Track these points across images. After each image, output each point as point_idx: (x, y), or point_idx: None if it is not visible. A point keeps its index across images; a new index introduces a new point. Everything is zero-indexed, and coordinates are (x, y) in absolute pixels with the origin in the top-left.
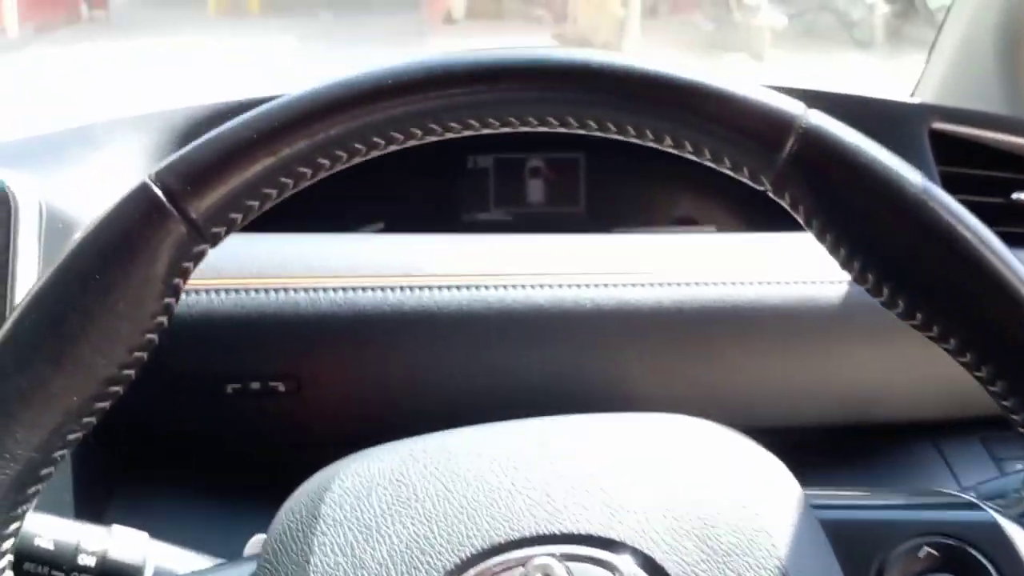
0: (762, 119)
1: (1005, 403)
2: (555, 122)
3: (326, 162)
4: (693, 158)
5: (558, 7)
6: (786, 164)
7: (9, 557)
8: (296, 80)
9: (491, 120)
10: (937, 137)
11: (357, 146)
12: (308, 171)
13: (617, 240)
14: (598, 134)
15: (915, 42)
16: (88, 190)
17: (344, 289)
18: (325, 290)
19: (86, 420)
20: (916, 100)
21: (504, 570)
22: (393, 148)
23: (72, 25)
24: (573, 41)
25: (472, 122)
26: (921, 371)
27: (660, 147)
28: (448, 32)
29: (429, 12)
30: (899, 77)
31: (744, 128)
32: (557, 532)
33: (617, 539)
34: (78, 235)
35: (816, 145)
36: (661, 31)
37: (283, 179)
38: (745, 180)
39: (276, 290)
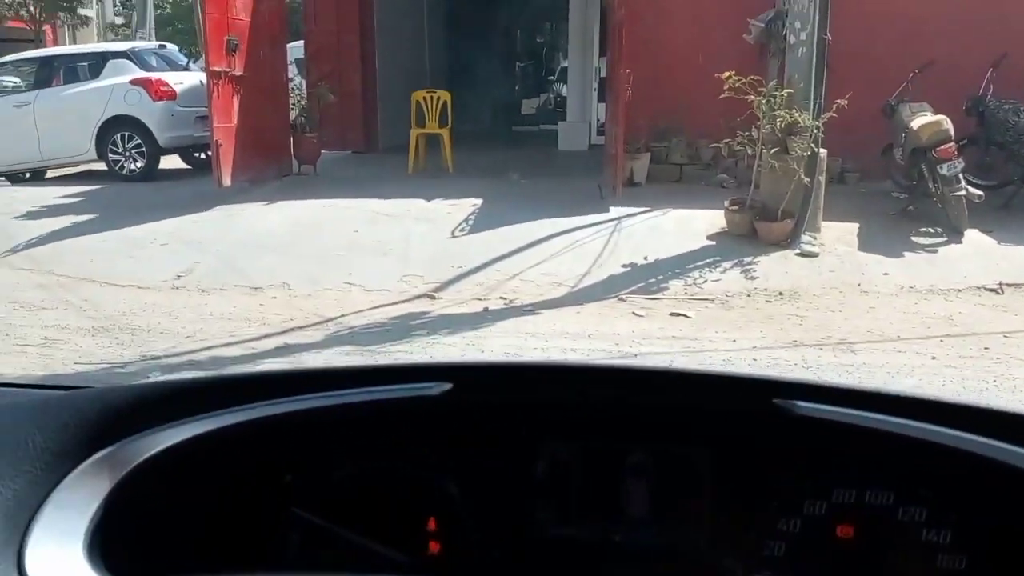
0: None
1: None
2: None
3: None
4: None
5: (741, 172)
6: None
7: None
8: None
9: None
10: None
11: None
12: None
13: None
14: None
15: None
16: None
17: None
18: None
19: None
20: None
21: None
22: None
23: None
24: (755, 207)
25: None
26: None
27: None
28: (628, 195)
29: (611, 175)
30: None
31: None
32: None
33: None
34: None
35: None
36: (848, 199)
37: None
38: None
39: None
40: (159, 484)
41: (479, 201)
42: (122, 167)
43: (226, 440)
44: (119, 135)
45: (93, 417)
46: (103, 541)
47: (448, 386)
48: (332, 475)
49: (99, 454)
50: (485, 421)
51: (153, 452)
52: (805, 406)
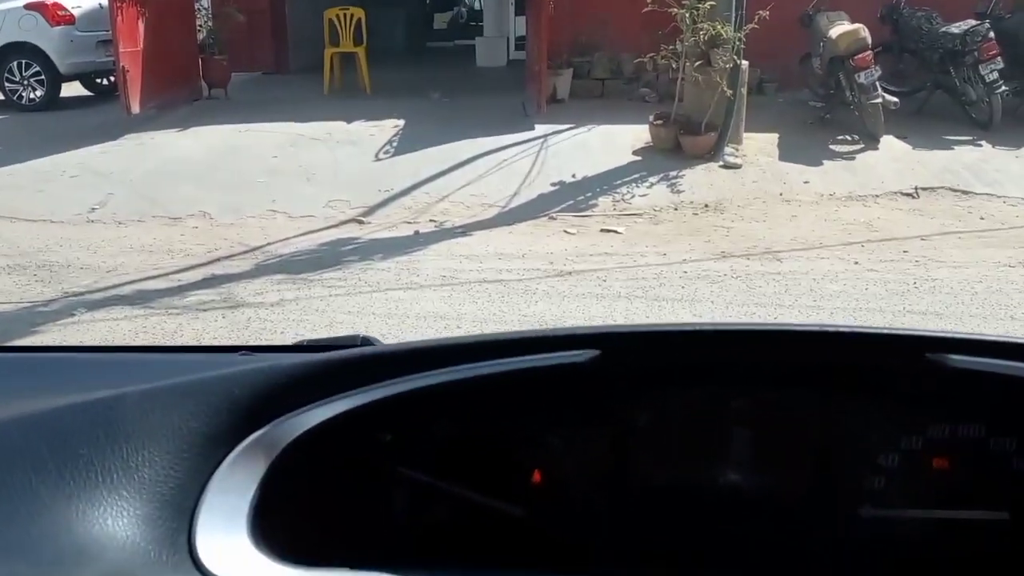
0: None
1: None
2: None
3: None
4: None
5: (663, 86)
6: None
7: None
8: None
9: None
10: None
11: None
12: None
13: None
14: None
15: None
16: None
17: None
18: None
19: None
20: None
21: None
22: None
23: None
24: (679, 120)
25: None
26: None
27: None
28: (553, 112)
29: (535, 92)
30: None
31: None
32: None
33: None
34: None
35: None
36: (768, 110)
37: None
38: None
39: None
40: (306, 462)
41: (401, 122)
42: (21, 96)
43: (368, 415)
44: (16, 63)
45: (244, 400)
46: (262, 522)
47: (595, 353)
48: (433, 432)
49: (252, 436)
50: (616, 380)
51: (303, 430)
52: (957, 359)
